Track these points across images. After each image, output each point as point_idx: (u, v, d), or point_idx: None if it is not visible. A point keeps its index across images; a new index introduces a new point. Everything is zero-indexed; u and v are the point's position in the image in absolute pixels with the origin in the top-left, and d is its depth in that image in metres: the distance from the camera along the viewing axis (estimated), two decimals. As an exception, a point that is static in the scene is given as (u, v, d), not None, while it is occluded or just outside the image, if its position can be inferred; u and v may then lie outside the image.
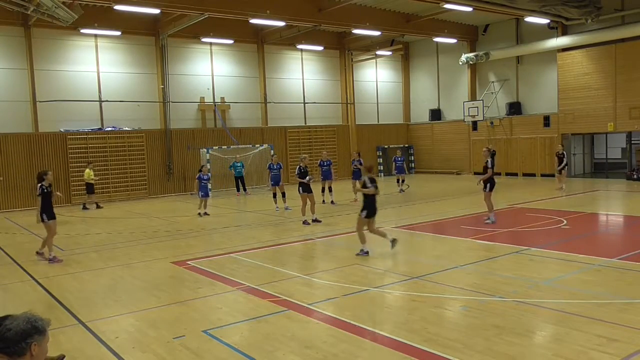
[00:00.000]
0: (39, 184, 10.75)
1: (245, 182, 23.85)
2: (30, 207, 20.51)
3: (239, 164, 23.42)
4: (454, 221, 13.93)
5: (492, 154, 22.37)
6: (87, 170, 20.39)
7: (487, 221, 13.13)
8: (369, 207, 10.18)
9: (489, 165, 13.28)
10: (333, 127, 29.54)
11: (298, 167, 14.95)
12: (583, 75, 24.07)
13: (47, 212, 10.76)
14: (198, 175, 17.37)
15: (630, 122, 22.71)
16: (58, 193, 11.95)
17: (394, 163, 22.49)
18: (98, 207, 20.37)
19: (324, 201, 18.39)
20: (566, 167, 20.30)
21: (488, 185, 13.25)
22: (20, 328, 2.75)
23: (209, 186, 23.28)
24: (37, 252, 11.15)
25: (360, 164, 18.87)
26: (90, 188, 20.34)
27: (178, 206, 20.31)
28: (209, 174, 17.89)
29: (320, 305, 7.22)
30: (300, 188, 14.62)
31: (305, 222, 14.26)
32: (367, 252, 10.13)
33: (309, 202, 14.52)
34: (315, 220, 14.42)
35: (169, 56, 24.09)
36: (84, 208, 20.15)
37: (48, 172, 11.04)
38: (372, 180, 10.32)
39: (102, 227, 15.77)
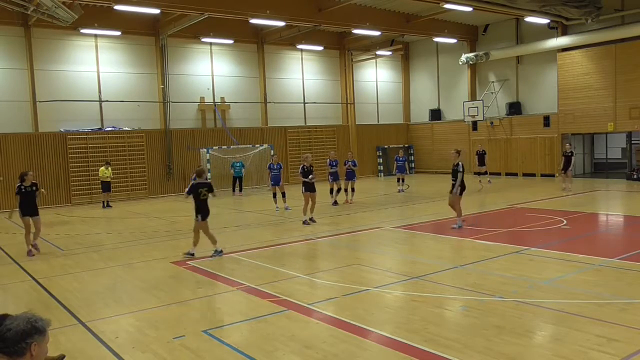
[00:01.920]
0: (18, 184, 11.70)
1: (245, 183, 23.83)
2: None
3: (238, 164, 23.40)
4: (453, 221, 13.86)
5: (482, 154, 22.40)
6: (102, 168, 20.44)
7: (454, 226, 12.73)
8: (202, 210, 10.52)
9: (460, 169, 12.79)
10: (333, 127, 29.54)
11: (302, 166, 14.89)
12: (583, 75, 24.07)
13: (22, 209, 11.65)
14: (193, 176, 17.26)
15: (630, 122, 22.71)
16: (42, 190, 12.50)
17: (395, 162, 22.42)
18: (108, 205, 20.47)
19: (336, 202, 18.27)
20: (569, 167, 19.72)
21: (460, 189, 12.86)
22: (21, 328, 2.75)
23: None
24: (33, 246, 11.79)
25: (354, 164, 18.81)
26: (104, 186, 20.51)
27: (178, 206, 20.28)
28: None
29: (320, 305, 7.22)
30: (303, 187, 14.61)
31: (305, 222, 14.27)
32: (192, 254, 10.50)
33: (310, 202, 14.51)
34: (310, 219, 14.42)
35: (169, 56, 24.09)
36: (106, 206, 20.31)
37: (28, 173, 11.90)
38: (204, 185, 10.60)
39: (102, 227, 15.78)
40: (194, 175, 11.23)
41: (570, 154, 19.77)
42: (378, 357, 5.54)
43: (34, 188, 11.80)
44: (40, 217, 11.96)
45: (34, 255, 11.54)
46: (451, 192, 12.92)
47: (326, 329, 6.31)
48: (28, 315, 2.84)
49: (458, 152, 13.24)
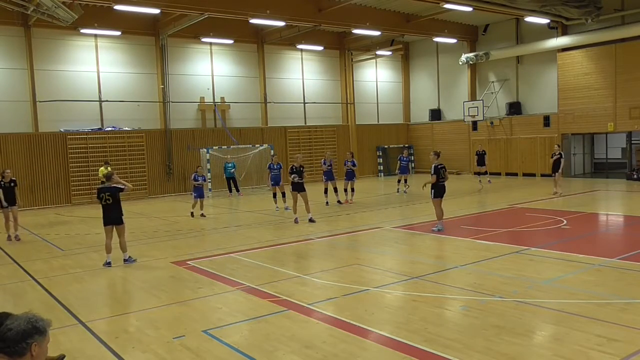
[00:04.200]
0: None
1: (244, 183, 23.81)
2: (29, 208, 20.67)
3: (230, 165, 23.37)
4: (454, 221, 13.91)
5: (482, 154, 22.20)
6: (101, 168, 20.42)
7: (434, 229, 12.48)
8: (104, 215, 10.34)
9: (432, 172, 12.44)
10: (333, 127, 29.54)
11: (291, 166, 14.98)
12: (583, 75, 24.07)
13: (3, 202, 13.68)
14: (193, 175, 17.00)
15: (630, 122, 22.70)
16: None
17: (398, 162, 21.78)
18: None
19: (339, 201, 18.38)
20: (559, 169, 18.69)
21: (433, 191, 12.55)
22: (21, 328, 2.76)
23: (209, 186, 23.40)
24: (13, 236, 13.71)
25: (354, 165, 18.81)
26: None
27: (178, 206, 20.30)
28: (204, 174, 17.55)
29: (320, 305, 7.22)
30: (291, 186, 14.77)
31: (295, 221, 14.46)
32: (110, 263, 10.18)
33: (301, 201, 14.63)
34: (310, 220, 14.51)
35: (169, 56, 24.09)
36: None
37: (6, 171, 14.08)
38: (106, 189, 10.30)
39: (102, 227, 15.73)
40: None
41: (559, 155, 18.78)
42: (378, 357, 5.54)
43: (12, 184, 13.93)
44: (17, 208, 13.96)
45: (11, 240, 13.53)
46: (430, 195, 12.76)
47: (326, 329, 6.31)
48: (29, 315, 2.84)
49: (437, 154, 12.76)
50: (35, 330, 2.79)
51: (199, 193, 16.70)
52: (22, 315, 2.84)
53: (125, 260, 10.37)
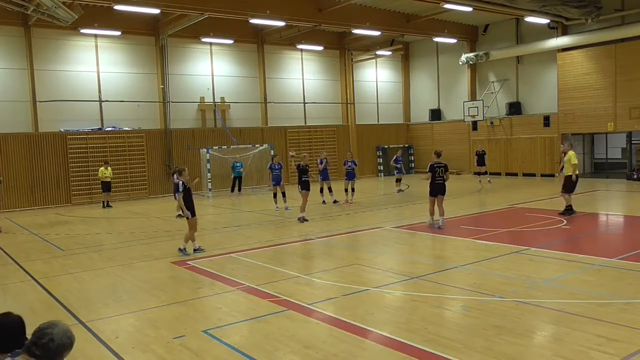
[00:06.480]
0: None
1: (244, 182, 23.85)
2: (29, 208, 20.65)
3: (238, 164, 23.42)
4: (454, 221, 13.90)
5: (482, 154, 22.15)
6: (101, 169, 20.45)
7: (435, 226, 12.65)
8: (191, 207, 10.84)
9: (427, 170, 12.72)
10: (333, 127, 29.54)
11: (298, 164, 15.11)
12: (583, 75, 24.07)
13: None
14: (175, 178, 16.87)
15: (630, 122, 22.70)
16: None
17: (394, 163, 21.95)
18: (108, 205, 20.47)
19: (336, 201, 18.44)
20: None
21: (429, 189, 12.80)
22: (62, 342, 2.81)
23: (209, 186, 23.39)
24: None
25: (355, 164, 18.84)
26: (105, 186, 20.52)
27: (178, 206, 20.27)
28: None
29: (320, 305, 7.21)
30: (299, 186, 14.90)
31: (299, 219, 14.61)
32: (182, 250, 10.93)
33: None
34: (303, 218, 14.60)
35: (169, 56, 24.09)
36: (106, 206, 20.31)
37: None
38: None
39: (102, 227, 15.78)
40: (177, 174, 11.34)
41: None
42: (378, 357, 5.54)
43: None
44: None
45: None
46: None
47: (326, 329, 6.31)
48: (64, 327, 2.87)
49: (437, 153, 12.90)
50: (70, 345, 2.86)
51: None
52: (59, 325, 2.87)
53: (194, 250, 11.00)
